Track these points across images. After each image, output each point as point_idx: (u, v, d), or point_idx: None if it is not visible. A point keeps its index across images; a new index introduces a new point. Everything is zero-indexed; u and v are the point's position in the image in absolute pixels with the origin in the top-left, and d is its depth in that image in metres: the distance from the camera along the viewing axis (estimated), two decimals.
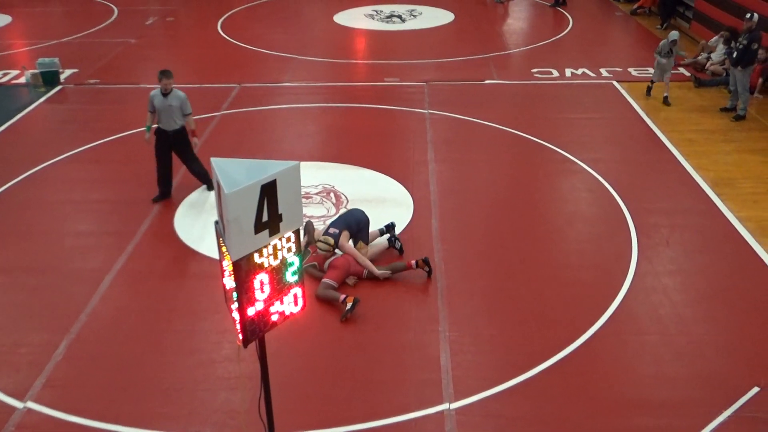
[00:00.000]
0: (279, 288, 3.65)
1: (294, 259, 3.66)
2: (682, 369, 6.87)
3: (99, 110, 13.38)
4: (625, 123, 12.68)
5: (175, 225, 9.42)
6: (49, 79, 14.45)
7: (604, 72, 15.23)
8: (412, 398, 6.56)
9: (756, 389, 6.55)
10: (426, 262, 8.23)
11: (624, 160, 11.26)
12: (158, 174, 9.96)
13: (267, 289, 3.57)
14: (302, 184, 10.14)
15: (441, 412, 6.40)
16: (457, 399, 6.54)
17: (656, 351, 7.13)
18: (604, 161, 11.09)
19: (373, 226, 8.93)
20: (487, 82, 14.68)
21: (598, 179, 10.52)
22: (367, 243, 8.58)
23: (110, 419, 6.31)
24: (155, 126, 9.82)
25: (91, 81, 14.79)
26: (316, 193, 10.19)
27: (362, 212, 8.64)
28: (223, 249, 3.62)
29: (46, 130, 12.72)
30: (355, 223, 8.38)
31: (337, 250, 8.22)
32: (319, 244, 8.11)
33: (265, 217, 3.43)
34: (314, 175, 10.71)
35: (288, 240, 3.60)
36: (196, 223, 9.44)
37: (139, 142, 10.67)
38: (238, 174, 3.42)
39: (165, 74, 9.56)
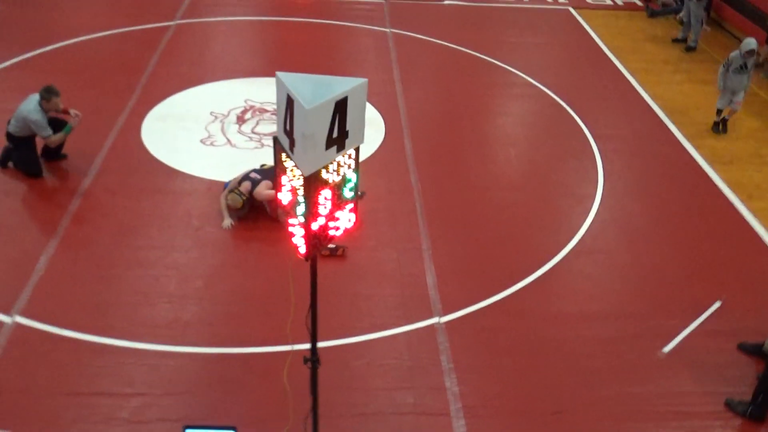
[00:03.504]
0: (338, 203, 3.70)
1: (352, 176, 3.70)
2: (647, 286, 7.32)
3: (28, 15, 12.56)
4: (583, 50, 12.94)
5: (143, 138, 9.14)
6: None
7: None
8: (403, 312, 6.78)
9: (718, 303, 7.12)
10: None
11: (584, 86, 11.56)
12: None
13: (329, 204, 3.63)
14: (257, 100, 10.08)
15: (432, 326, 6.67)
16: (446, 313, 6.81)
17: (624, 270, 7.56)
18: (564, 87, 11.34)
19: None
20: (446, 2, 14.56)
21: (563, 106, 10.79)
22: None
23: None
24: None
25: None
26: (273, 113, 9.96)
27: None
28: (285, 164, 3.62)
29: None
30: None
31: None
32: (231, 197, 7.63)
33: (335, 134, 3.45)
34: (270, 91, 10.47)
35: (350, 156, 3.63)
36: (164, 137, 9.19)
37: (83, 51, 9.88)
38: (307, 90, 3.40)
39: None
